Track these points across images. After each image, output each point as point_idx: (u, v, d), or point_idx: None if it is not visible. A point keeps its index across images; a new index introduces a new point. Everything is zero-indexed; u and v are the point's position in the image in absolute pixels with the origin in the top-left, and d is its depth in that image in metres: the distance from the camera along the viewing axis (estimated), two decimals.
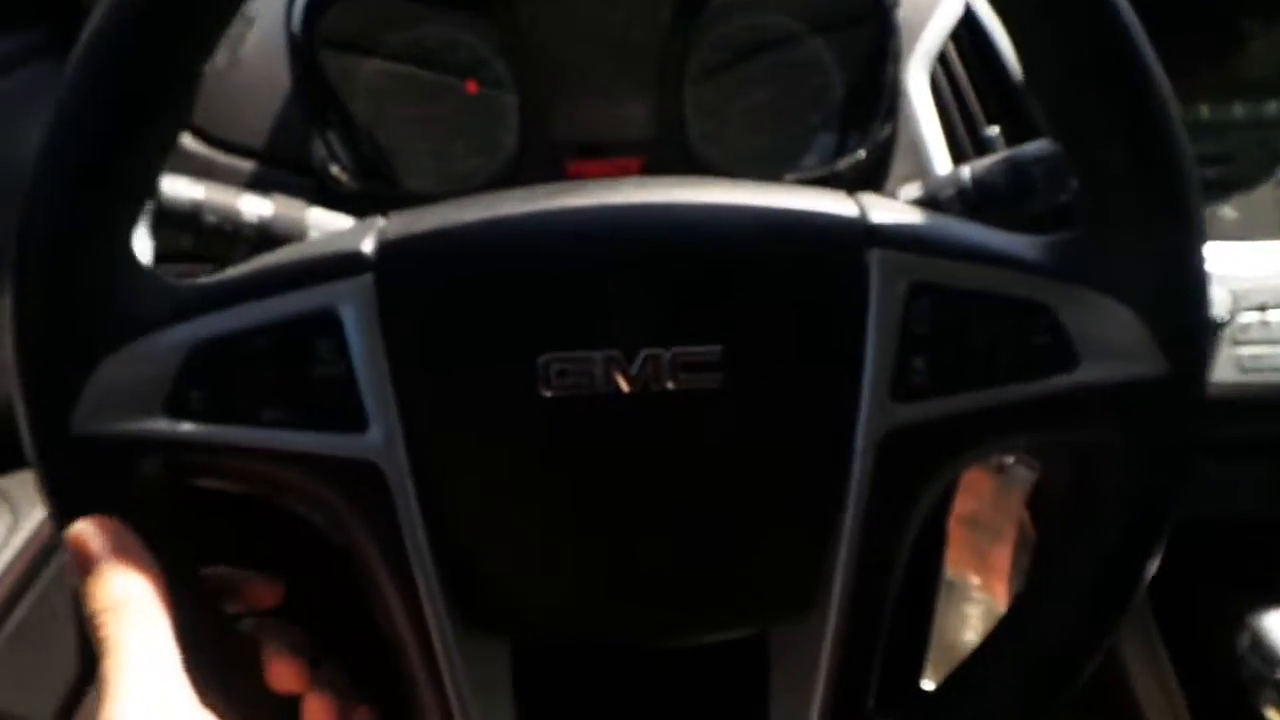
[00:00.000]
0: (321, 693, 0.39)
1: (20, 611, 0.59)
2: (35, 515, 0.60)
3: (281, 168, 0.60)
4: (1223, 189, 0.60)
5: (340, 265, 0.35)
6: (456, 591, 0.37)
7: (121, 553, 0.34)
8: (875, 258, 0.36)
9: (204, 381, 0.35)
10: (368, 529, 0.36)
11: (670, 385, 0.35)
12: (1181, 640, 0.60)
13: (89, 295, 0.34)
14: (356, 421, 0.35)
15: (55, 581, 0.61)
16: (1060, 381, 0.36)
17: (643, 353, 0.35)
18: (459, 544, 0.36)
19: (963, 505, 0.50)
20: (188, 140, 0.62)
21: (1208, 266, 0.36)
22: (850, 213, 0.36)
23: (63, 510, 0.35)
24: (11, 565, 0.58)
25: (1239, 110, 0.62)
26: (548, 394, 0.35)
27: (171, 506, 0.36)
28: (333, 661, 0.40)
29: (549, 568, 0.38)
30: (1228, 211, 0.59)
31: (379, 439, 0.35)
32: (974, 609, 0.52)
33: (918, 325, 0.36)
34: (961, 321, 0.36)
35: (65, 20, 0.66)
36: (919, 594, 0.57)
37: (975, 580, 0.51)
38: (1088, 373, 0.36)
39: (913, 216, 0.37)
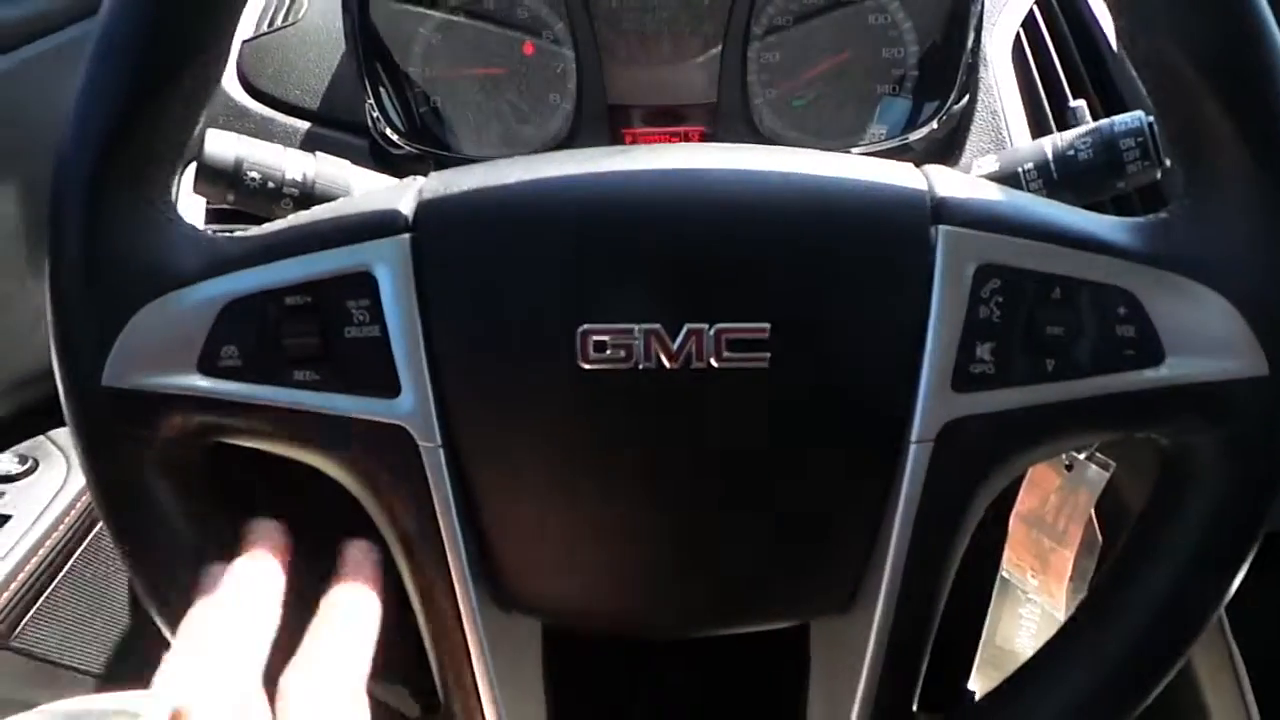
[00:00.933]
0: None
1: (74, 563, 0.61)
2: None
3: (338, 129, 0.60)
4: None
5: (377, 225, 0.34)
6: (487, 565, 0.36)
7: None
8: (941, 235, 0.33)
9: (237, 338, 0.34)
10: (398, 496, 0.35)
11: (714, 363, 0.33)
12: (1259, 656, 0.56)
13: (122, 247, 0.34)
14: (388, 386, 0.34)
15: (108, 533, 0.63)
16: (1144, 377, 0.33)
17: (686, 327, 0.33)
18: (492, 518, 0.35)
19: (1026, 502, 0.48)
20: (247, 100, 0.62)
21: None
22: (916, 185, 0.34)
23: (92, 464, 0.35)
24: (64, 516, 0.59)
25: None
26: (586, 366, 0.34)
27: (202, 462, 0.36)
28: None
29: (581, 549, 0.36)
30: None
31: (410, 405, 0.34)
32: (1030, 612, 0.49)
33: (985, 309, 0.33)
34: (1034, 307, 0.33)
35: None
36: (973, 591, 0.54)
37: (1033, 582, 0.48)
38: (1176, 369, 0.33)
39: (985, 191, 0.35)
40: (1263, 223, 0.33)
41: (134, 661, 0.63)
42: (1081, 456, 0.45)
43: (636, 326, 0.33)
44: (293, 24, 0.64)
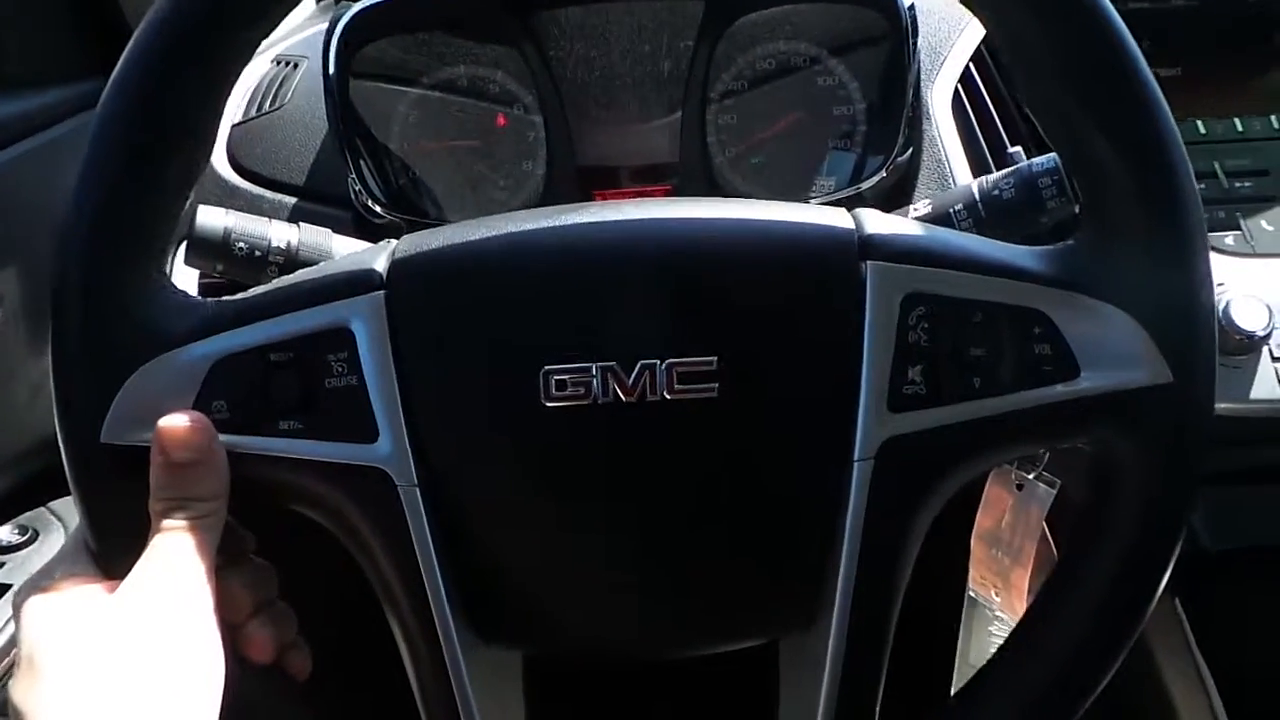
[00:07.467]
0: (261, 628, 0.39)
1: None
2: None
3: (323, 203, 0.63)
4: (1259, 202, 0.59)
5: (354, 284, 0.37)
6: (466, 599, 0.38)
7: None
8: (870, 269, 0.36)
9: (226, 393, 0.37)
10: (379, 535, 0.37)
11: (667, 395, 0.36)
12: (1228, 666, 0.58)
13: (119, 314, 0.36)
14: (367, 431, 0.36)
15: None
16: (1062, 391, 0.36)
17: (639, 364, 0.36)
18: (468, 552, 0.37)
19: (984, 522, 0.50)
20: (237, 180, 0.65)
21: (1210, 271, 0.36)
22: (845, 225, 0.37)
23: (90, 517, 0.37)
24: None
25: (1274, 123, 0.61)
26: (549, 405, 0.36)
27: None
28: (287, 605, 0.41)
29: (554, 579, 0.38)
30: (1264, 225, 0.58)
31: (388, 448, 0.36)
32: (1000, 629, 0.51)
33: (914, 335, 0.36)
34: (957, 331, 0.36)
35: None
36: (944, 611, 0.56)
37: (997, 599, 0.50)
38: (1089, 381, 0.36)
39: (908, 228, 0.38)
40: (1156, 244, 0.35)
41: None
42: (1030, 476, 0.48)
43: (594, 365, 0.36)
44: (279, 108, 0.68)
